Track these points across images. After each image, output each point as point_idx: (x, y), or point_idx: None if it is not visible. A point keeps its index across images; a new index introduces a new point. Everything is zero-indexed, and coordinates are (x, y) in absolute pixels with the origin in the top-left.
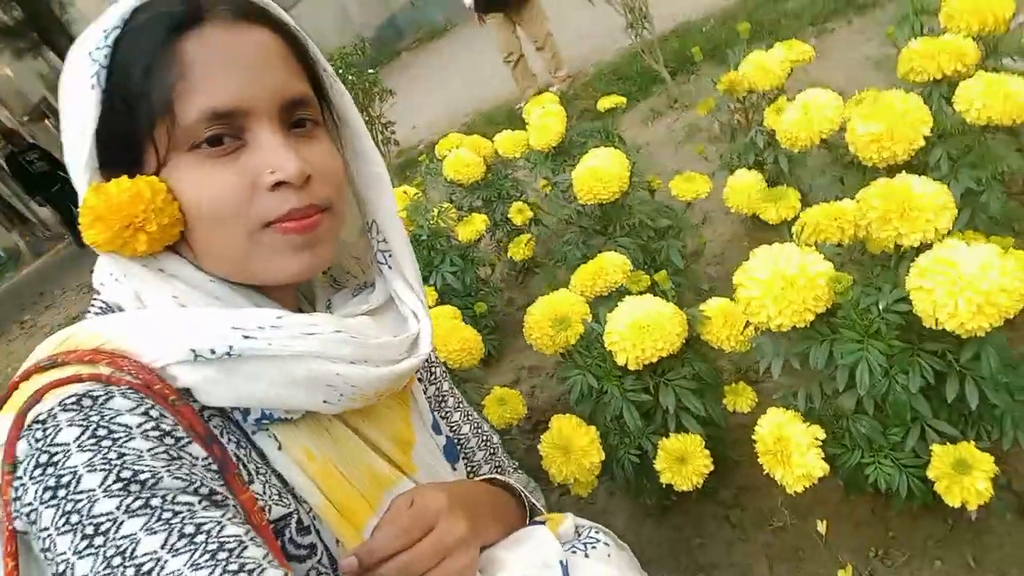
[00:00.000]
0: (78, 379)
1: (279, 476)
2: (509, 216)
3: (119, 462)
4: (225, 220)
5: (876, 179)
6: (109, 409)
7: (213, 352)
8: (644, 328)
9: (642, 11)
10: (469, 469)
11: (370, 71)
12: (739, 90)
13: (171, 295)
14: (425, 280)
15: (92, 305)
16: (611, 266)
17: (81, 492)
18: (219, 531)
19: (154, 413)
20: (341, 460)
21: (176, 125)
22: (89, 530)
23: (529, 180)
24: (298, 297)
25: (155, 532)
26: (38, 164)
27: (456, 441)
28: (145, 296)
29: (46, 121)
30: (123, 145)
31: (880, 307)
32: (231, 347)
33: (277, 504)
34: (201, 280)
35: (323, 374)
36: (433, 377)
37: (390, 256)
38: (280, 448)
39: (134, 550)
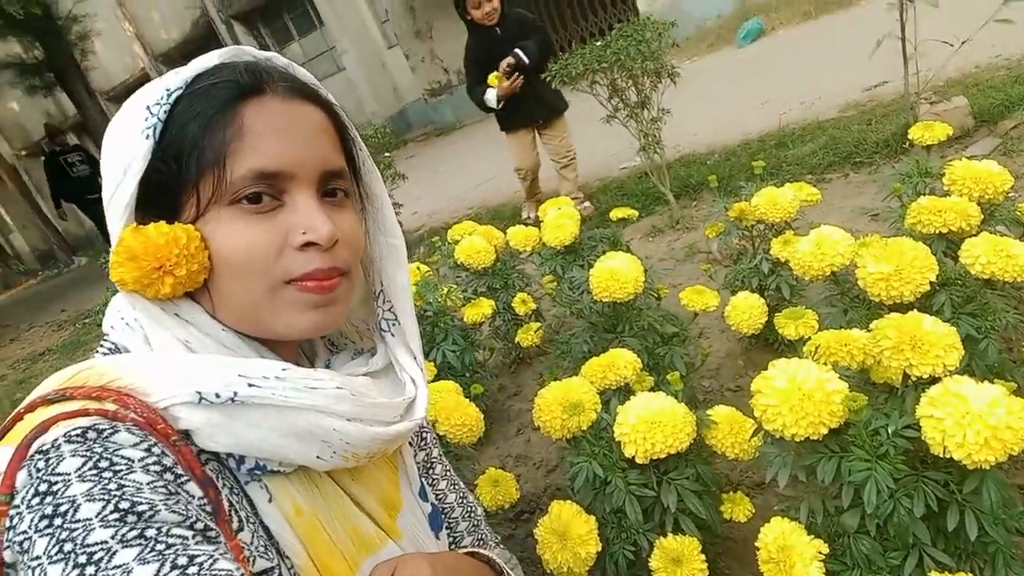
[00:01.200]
0: (84, 413)
1: (266, 528)
2: (512, 305)
3: (118, 493)
4: (252, 271)
5: (880, 315)
6: (112, 443)
7: (218, 396)
8: (655, 423)
9: (655, 137)
10: (451, 539)
11: (386, 154)
12: (749, 219)
13: (183, 339)
14: (426, 355)
15: (101, 347)
16: (622, 361)
17: (77, 521)
18: (211, 564)
19: (156, 450)
20: (328, 518)
21: (223, 179)
22: (82, 559)
23: (535, 274)
24: (299, 354)
25: (147, 562)
26: (80, 168)
27: (441, 510)
28: (154, 340)
29: (43, 158)
30: (165, 193)
31: (889, 430)
32: (236, 393)
33: (262, 556)
34: (213, 328)
35: (320, 428)
36: (424, 443)
37: (395, 324)
38: (270, 500)
39: None
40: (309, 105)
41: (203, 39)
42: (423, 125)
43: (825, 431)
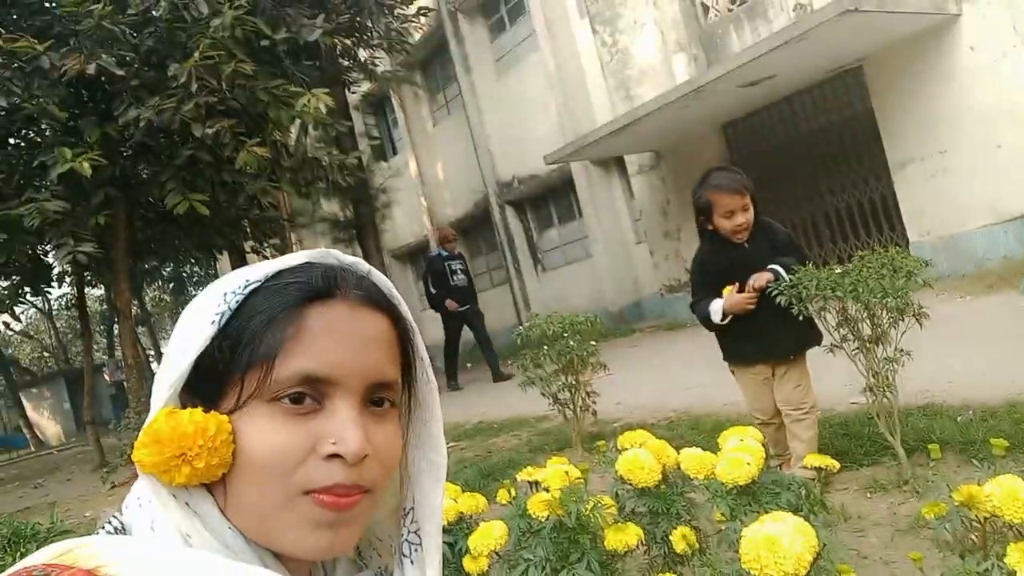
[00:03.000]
0: None
1: None
2: (670, 538)
3: None
4: (273, 475)
5: None
6: None
7: None
8: None
9: (887, 378)
10: None
11: (591, 343)
12: (980, 510)
13: (184, 532)
14: (555, 575)
15: (108, 522)
16: None
17: None
18: None
19: None
20: None
21: (269, 375)
22: None
23: (706, 507)
24: (315, 567)
25: None
26: (459, 277)
27: None
28: (158, 526)
29: (427, 259)
30: (212, 379)
31: None
32: None
33: None
34: (220, 525)
35: None
36: None
37: (417, 550)
38: None
39: None
40: (376, 314)
41: (479, 217)
42: (656, 317)
43: None
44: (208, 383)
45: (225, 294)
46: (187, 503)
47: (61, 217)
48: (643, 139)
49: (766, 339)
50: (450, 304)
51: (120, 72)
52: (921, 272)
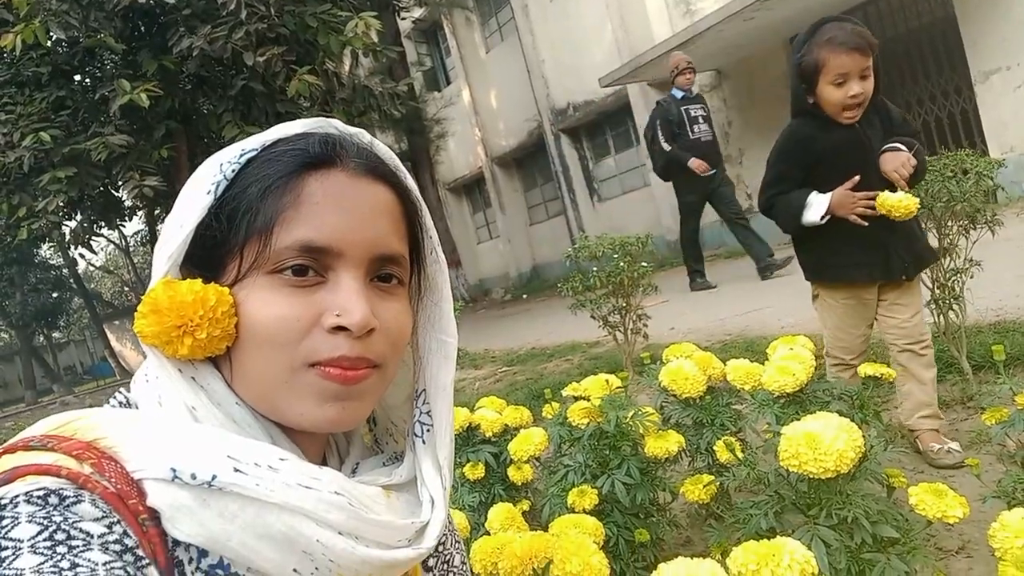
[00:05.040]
0: (56, 472)
1: None
2: (714, 448)
3: (70, 572)
4: (276, 346)
5: None
6: (73, 513)
7: (194, 477)
8: None
9: (953, 290)
10: None
11: (643, 264)
12: None
13: (190, 406)
14: (594, 480)
15: (115, 396)
16: (790, 557)
17: None
18: None
19: (118, 528)
20: None
21: (268, 246)
22: None
23: (752, 417)
24: (329, 449)
25: None
26: (703, 126)
27: None
28: (165, 401)
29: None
30: (211, 251)
31: None
32: (214, 476)
33: None
34: (226, 399)
35: (302, 536)
36: (443, 548)
37: (429, 430)
38: None
39: None
40: (379, 184)
41: (534, 146)
42: (716, 246)
43: None
44: (208, 256)
45: (221, 164)
46: (193, 377)
47: (126, 151)
48: (704, 57)
49: (880, 250)
50: (696, 164)
51: (171, 1)
52: (992, 171)
